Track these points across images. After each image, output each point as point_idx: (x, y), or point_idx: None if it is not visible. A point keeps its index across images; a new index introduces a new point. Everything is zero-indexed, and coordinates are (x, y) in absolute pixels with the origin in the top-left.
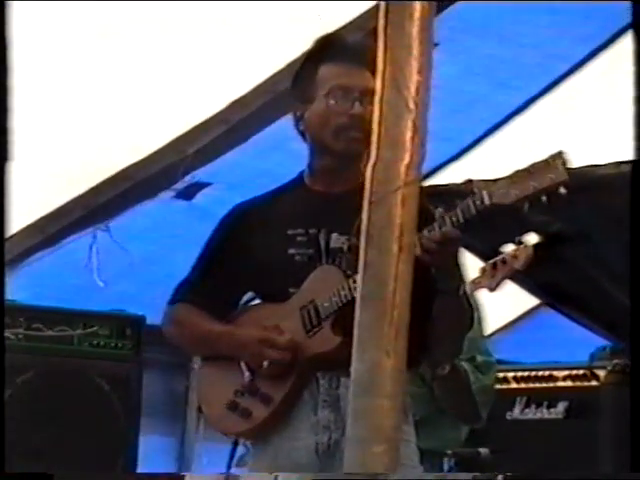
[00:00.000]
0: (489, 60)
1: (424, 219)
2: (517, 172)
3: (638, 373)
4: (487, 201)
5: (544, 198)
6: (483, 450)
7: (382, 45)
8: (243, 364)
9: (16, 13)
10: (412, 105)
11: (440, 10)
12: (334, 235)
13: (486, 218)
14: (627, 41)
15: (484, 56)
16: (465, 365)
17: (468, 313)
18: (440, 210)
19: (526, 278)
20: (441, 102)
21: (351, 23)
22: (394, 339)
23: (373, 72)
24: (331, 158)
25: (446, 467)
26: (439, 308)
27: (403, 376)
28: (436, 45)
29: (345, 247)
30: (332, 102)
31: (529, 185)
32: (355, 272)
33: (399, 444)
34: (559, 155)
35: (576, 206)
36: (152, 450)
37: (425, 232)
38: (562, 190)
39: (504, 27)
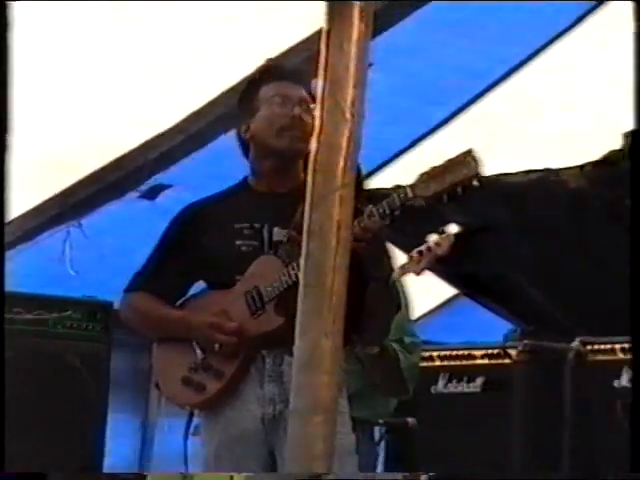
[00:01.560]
0: (417, 78)
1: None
2: (434, 168)
3: (638, 373)
4: (410, 194)
5: (459, 190)
6: (410, 420)
7: (323, 63)
8: (196, 344)
9: None
10: (349, 115)
11: (376, 34)
12: (276, 229)
13: (409, 212)
14: (543, 59)
15: (412, 74)
16: (394, 345)
17: (396, 299)
18: (370, 206)
19: (446, 271)
20: (374, 114)
21: (295, 46)
22: (332, 322)
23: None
24: (274, 159)
25: (377, 434)
26: (370, 294)
27: (340, 355)
28: (370, 65)
29: (285, 239)
30: (275, 107)
31: (446, 179)
32: (293, 261)
33: (335, 413)
34: (469, 152)
35: (492, 207)
36: (119, 421)
37: (355, 223)
38: (475, 183)
39: (430, 49)
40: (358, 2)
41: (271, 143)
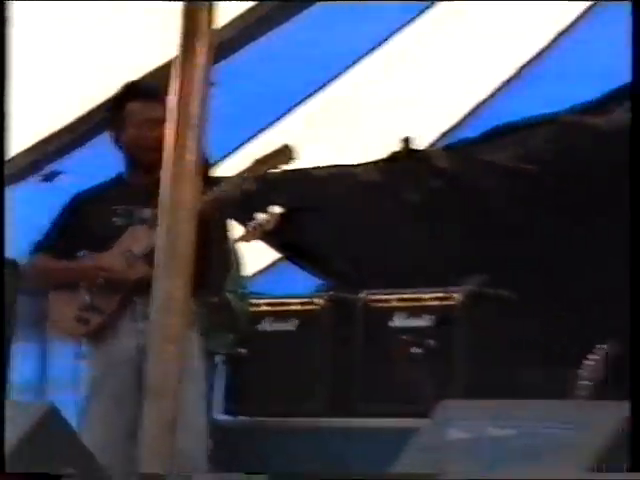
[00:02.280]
0: (248, 95)
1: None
2: (257, 160)
3: (638, 373)
4: (245, 175)
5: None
6: (243, 350)
7: (176, 83)
8: (84, 289)
9: None
10: (196, 122)
11: (218, 60)
12: (145, 210)
13: (245, 195)
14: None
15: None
16: (230, 295)
17: (232, 260)
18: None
19: (272, 239)
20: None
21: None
22: (182, 276)
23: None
24: (141, 165)
25: (219, 362)
26: (213, 256)
27: (188, 301)
28: (213, 84)
29: (150, 215)
30: (143, 130)
31: (267, 164)
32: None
33: (186, 345)
34: (286, 146)
35: (309, 192)
36: (22, 354)
37: (204, 197)
38: (291, 162)
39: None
40: (205, 34)
41: (140, 158)
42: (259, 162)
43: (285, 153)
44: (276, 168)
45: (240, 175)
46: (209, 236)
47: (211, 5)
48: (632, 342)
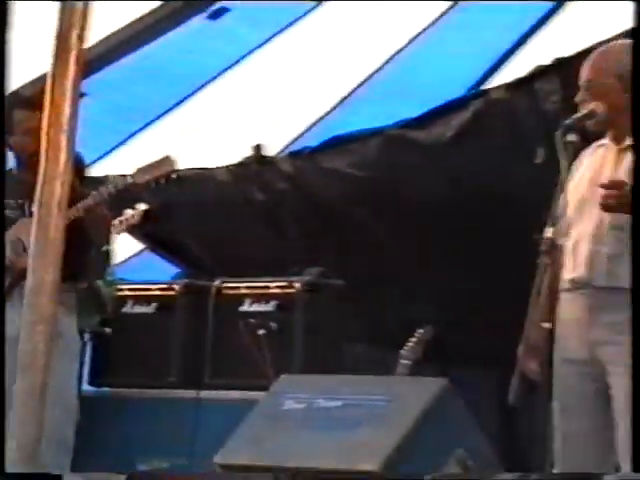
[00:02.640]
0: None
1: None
2: (139, 169)
3: (638, 373)
4: (130, 180)
5: (163, 180)
6: (107, 329)
7: (49, 94)
8: None
9: None
10: (66, 127)
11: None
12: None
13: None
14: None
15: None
16: (98, 281)
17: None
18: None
19: (137, 232)
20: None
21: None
22: (52, 262)
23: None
24: (27, 165)
25: (87, 339)
26: (94, 246)
27: (57, 286)
28: (83, 95)
29: None
30: (25, 139)
31: (154, 172)
32: None
33: (55, 324)
34: (168, 157)
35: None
36: None
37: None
38: (174, 175)
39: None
40: (74, 51)
41: (24, 160)
42: (141, 171)
43: (170, 161)
44: (159, 178)
45: (123, 181)
46: (92, 231)
47: (83, 22)
48: (633, 342)
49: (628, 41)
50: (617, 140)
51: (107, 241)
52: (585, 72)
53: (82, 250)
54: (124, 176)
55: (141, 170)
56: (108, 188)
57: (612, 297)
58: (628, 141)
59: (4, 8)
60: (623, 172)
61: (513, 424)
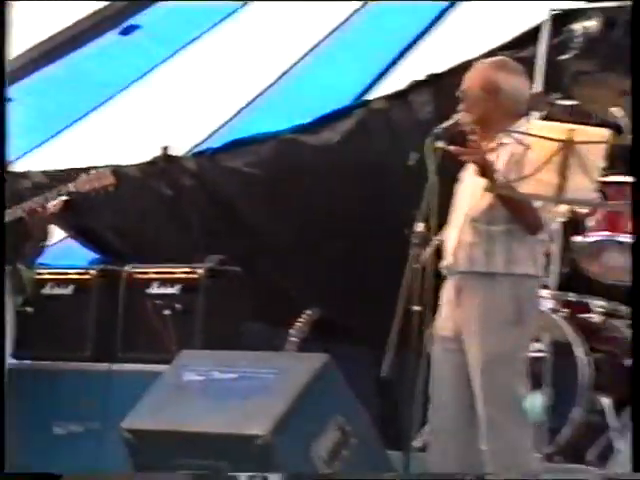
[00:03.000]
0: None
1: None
2: (82, 179)
3: (638, 373)
4: (73, 189)
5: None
6: (29, 309)
7: None
8: None
9: None
10: None
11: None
12: None
13: None
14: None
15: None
16: (20, 265)
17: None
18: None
19: (61, 221)
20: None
21: None
22: None
23: None
24: None
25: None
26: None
27: None
28: (10, 100)
29: None
30: None
31: (95, 185)
32: None
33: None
34: (107, 171)
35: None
36: None
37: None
38: (111, 188)
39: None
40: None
41: None
42: (83, 181)
43: (106, 177)
44: (98, 190)
45: (66, 189)
46: (34, 230)
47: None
48: (633, 342)
49: (498, 58)
50: (488, 141)
51: (45, 238)
52: (461, 85)
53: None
54: (67, 185)
55: (83, 181)
56: (52, 194)
57: (471, 280)
58: (495, 143)
59: (4, 8)
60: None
61: (388, 394)
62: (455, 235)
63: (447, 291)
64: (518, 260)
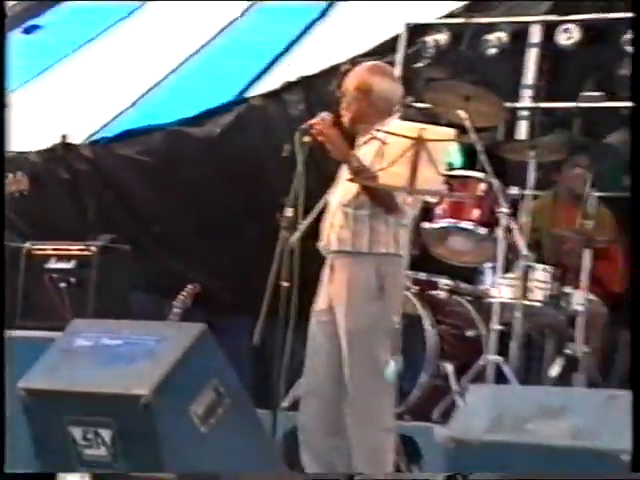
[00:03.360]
0: None
1: None
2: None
3: (638, 374)
4: None
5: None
6: None
7: None
8: None
9: None
10: None
11: None
12: None
13: None
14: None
15: None
16: None
17: None
18: None
19: None
20: None
21: None
22: None
23: None
24: None
25: None
26: None
27: None
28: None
29: None
30: None
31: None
32: None
33: None
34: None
35: None
36: None
37: None
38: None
39: None
40: None
41: None
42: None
43: (24, 182)
44: (13, 193)
45: None
46: None
47: None
48: (632, 342)
49: (373, 62)
50: (362, 136)
51: None
52: (342, 86)
53: None
54: None
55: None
56: None
57: (341, 259)
58: (367, 137)
59: (3, 8)
60: (362, 154)
61: (261, 359)
62: (330, 219)
63: (324, 269)
64: (381, 241)
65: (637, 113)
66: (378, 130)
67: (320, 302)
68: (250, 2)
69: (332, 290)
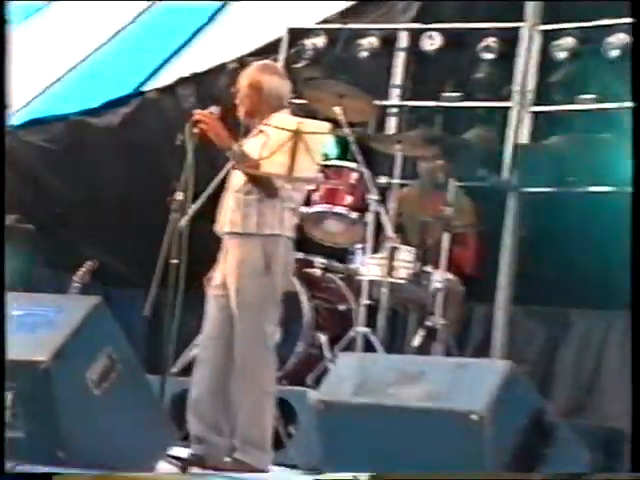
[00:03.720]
0: None
1: None
2: None
3: (638, 374)
4: None
5: None
6: None
7: None
8: None
9: None
10: None
11: None
12: None
13: None
14: None
15: None
16: None
17: None
18: None
19: None
20: None
21: None
22: None
23: None
24: None
25: None
26: None
27: None
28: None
29: None
30: None
31: None
32: None
33: None
34: None
35: None
36: None
37: None
38: None
39: None
40: None
41: None
42: None
43: None
44: None
45: None
46: None
47: None
48: (633, 342)
49: (264, 62)
50: (255, 128)
51: None
52: (237, 83)
53: None
54: None
55: None
56: None
57: (233, 239)
58: (259, 129)
59: (3, 8)
60: (250, 144)
61: (153, 329)
62: (225, 203)
63: (221, 249)
64: (267, 223)
65: (637, 113)
66: (265, 124)
67: (216, 278)
68: (151, 2)
69: (226, 268)
